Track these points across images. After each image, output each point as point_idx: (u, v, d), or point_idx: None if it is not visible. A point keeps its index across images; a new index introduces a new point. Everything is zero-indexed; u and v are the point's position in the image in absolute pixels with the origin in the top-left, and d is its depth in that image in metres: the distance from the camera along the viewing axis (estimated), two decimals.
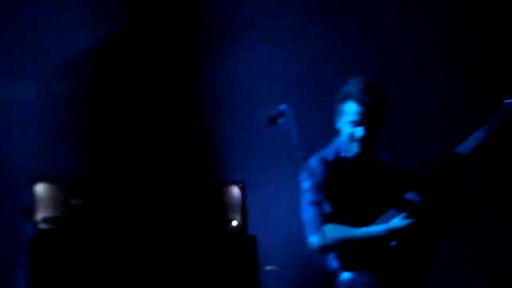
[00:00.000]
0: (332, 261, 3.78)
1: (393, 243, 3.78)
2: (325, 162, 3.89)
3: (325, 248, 3.56)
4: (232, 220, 4.55)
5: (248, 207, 4.57)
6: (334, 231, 3.75)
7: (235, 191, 4.59)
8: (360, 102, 3.83)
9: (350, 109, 3.86)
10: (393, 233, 3.75)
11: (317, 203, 3.51)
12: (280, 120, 3.60)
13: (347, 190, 3.85)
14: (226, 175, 4.85)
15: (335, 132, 3.97)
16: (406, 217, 3.75)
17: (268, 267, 4.74)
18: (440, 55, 5.69)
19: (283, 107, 3.61)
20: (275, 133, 3.64)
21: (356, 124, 3.86)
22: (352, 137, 3.88)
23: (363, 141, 3.87)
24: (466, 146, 3.83)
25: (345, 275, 3.71)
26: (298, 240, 4.42)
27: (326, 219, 3.69)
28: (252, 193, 4.66)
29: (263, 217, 5.00)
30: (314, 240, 3.77)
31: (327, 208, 3.73)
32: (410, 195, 3.82)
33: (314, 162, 3.85)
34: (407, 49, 5.66)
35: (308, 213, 3.82)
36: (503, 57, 5.73)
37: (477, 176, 5.13)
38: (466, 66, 5.69)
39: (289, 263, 5.07)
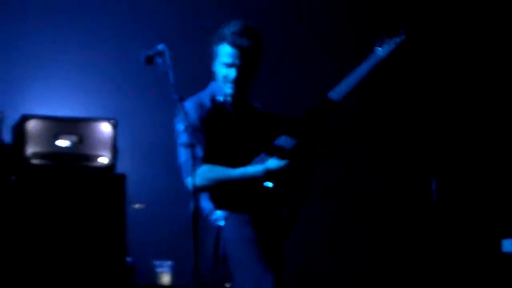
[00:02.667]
0: (205, 202, 3.83)
1: (268, 185, 3.83)
2: (201, 105, 3.91)
3: (200, 189, 3.59)
4: (101, 157, 4.52)
5: (119, 145, 4.55)
6: (210, 172, 3.78)
7: (107, 128, 4.55)
8: (233, 44, 3.87)
9: (224, 51, 3.90)
10: (269, 174, 3.81)
11: (191, 145, 3.53)
12: (157, 60, 3.57)
13: (222, 133, 3.88)
14: (98, 112, 4.79)
15: (212, 75, 3.99)
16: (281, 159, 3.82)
17: (136, 205, 4.74)
18: None
19: (161, 47, 3.57)
20: (151, 73, 3.61)
21: (229, 66, 3.90)
22: (225, 79, 3.92)
23: (235, 83, 3.91)
24: (339, 91, 3.91)
25: (218, 213, 3.77)
26: (167, 179, 4.45)
27: (200, 161, 3.72)
28: (124, 131, 4.64)
29: (134, 156, 5.00)
30: (189, 181, 3.78)
31: (199, 150, 3.75)
32: (282, 139, 3.88)
33: (189, 104, 3.85)
34: None
35: (182, 155, 3.83)
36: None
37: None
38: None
39: (158, 201, 5.08)
